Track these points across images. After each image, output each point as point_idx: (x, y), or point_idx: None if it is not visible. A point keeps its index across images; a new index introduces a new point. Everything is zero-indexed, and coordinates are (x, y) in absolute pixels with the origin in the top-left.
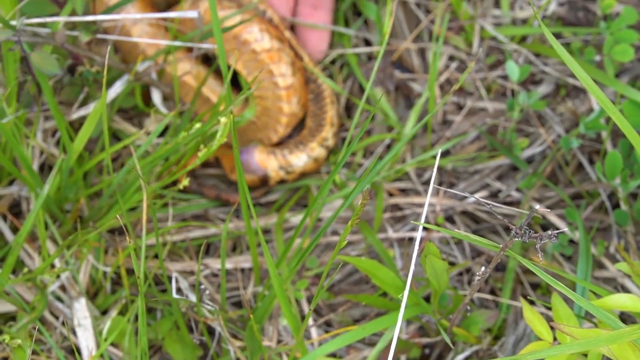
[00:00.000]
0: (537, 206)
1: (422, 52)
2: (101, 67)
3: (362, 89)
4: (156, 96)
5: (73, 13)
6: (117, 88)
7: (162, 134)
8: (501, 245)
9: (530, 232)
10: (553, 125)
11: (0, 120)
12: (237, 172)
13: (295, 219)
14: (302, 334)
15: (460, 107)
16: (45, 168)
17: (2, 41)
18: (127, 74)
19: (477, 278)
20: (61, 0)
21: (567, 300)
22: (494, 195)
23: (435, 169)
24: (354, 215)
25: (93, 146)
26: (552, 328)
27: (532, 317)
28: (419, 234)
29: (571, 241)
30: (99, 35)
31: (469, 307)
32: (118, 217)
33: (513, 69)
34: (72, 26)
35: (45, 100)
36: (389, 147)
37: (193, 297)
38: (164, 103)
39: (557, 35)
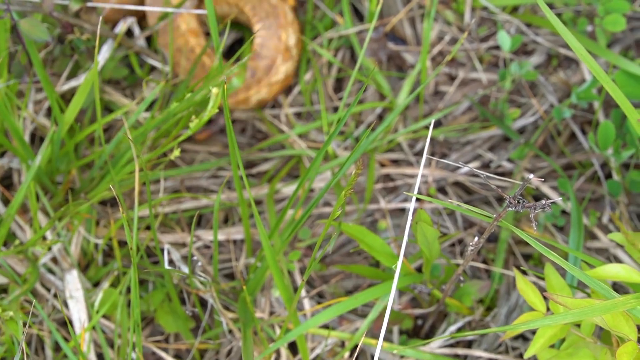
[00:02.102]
0: (531, 176)
1: (414, 24)
2: (91, 35)
3: (353, 60)
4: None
5: None
6: (104, 53)
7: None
8: (494, 215)
9: (524, 201)
10: (546, 94)
11: None
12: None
13: (287, 189)
14: (295, 305)
15: (452, 78)
16: (36, 140)
17: None
18: (112, 40)
19: (470, 248)
20: None
21: (559, 270)
22: (486, 166)
23: (428, 140)
24: (348, 184)
25: (83, 118)
26: (545, 298)
27: (525, 287)
28: (412, 205)
29: (563, 212)
30: (89, 4)
31: (461, 278)
32: (111, 187)
33: (505, 39)
34: None
35: (35, 71)
36: (380, 117)
37: (185, 269)
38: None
39: (549, 6)
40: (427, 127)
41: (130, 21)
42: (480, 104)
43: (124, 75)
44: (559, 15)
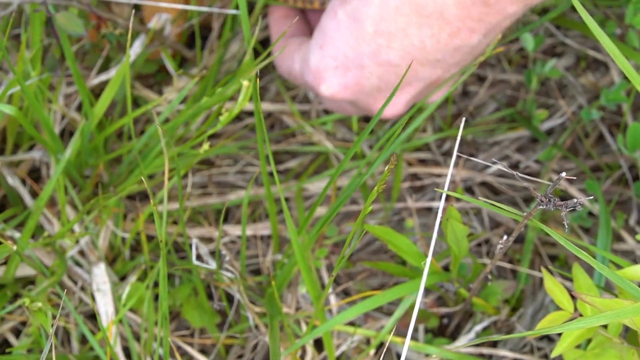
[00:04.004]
0: (563, 174)
1: None
2: (124, 29)
3: None
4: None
5: None
6: (136, 48)
7: (182, 101)
8: (524, 214)
9: (554, 200)
10: (575, 95)
11: (24, 82)
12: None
13: (313, 186)
14: (323, 302)
15: (480, 79)
16: (65, 134)
17: (29, 2)
18: (145, 35)
19: (499, 247)
20: None
21: (587, 271)
22: (513, 166)
23: (458, 139)
24: (381, 180)
25: (113, 112)
26: (572, 298)
27: (554, 287)
28: (441, 203)
29: (590, 213)
30: None
31: (489, 277)
32: (143, 179)
33: (528, 39)
34: None
35: (67, 64)
36: (410, 117)
37: (212, 264)
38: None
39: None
40: (455, 126)
41: (165, 18)
42: (508, 105)
43: (154, 70)
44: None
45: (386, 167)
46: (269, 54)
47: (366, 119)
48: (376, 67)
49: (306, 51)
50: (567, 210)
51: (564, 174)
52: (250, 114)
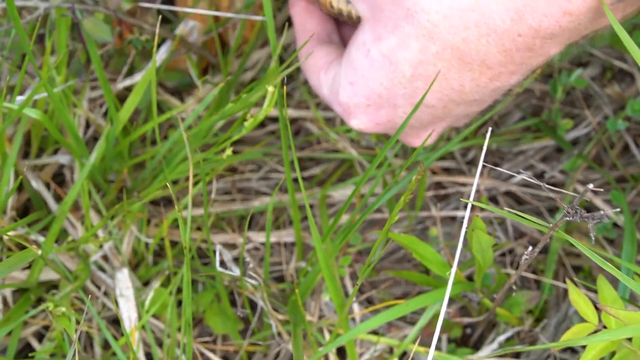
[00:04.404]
0: (590, 185)
1: None
2: (150, 36)
3: None
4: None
5: None
6: (162, 54)
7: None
8: (549, 225)
9: (581, 212)
10: (601, 105)
11: (51, 88)
12: None
13: (337, 193)
14: (347, 310)
15: None
16: (88, 138)
17: (56, 7)
18: (171, 40)
19: (524, 258)
20: None
21: (611, 282)
22: (538, 176)
23: (484, 149)
24: (408, 190)
25: (136, 117)
26: (597, 310)
27: (578, 299)
28: (467, 212)
29: (615, 225)
30: (142, 4)
31: (513, 287)
32: (167, 185)
33: None
34: None
35: (93, 69)
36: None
37: (235, 270)
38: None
39: None
40: (479, 135)
41: (192, 25)
42: (533, 114)
43: (178, 77)
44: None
45: (413, 178)
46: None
47: None
48: (410, 107)
49: (335, 82)
50: (595, 222)
51: (590, 186)
52: (274, 120)
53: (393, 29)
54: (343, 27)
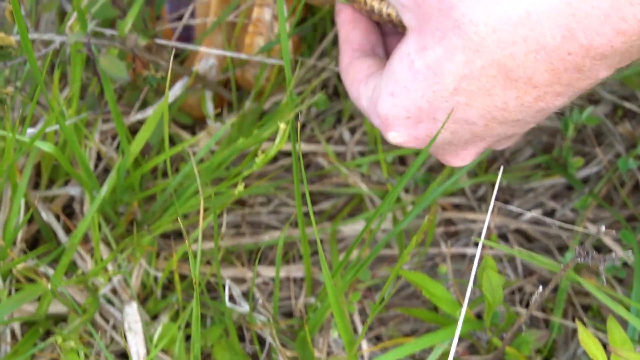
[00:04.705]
0: (602, 228)
1: None
2: (165, 73)
3: None
4: (209, 104)
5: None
6: (176, 90)
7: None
8: (560, 265)
9: (592, 253)
10: (613, 143)
11: (63, 121)
12: None
13: (347, 228)
14: (356, 348)
15: None
16: (99, 170)
17: (72, 43)
18: (187, 77)
19: (534, 298)
20: (122, 5)
21: (620, 322)
22: (548, 214)
23: (496, 188)
24: (420, 231)
25: (147, 150)
26: (606, 350)
27: (588, 339)
28: (478, 250)
29: (625, 264)
30: (158, 41)
31: (522, 326)
32: (178, 219)
33: None
34: (132, 30)
35: (107, 103)
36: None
37: (245, 306)
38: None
39: None
40: (491, 172)
41: (212, 63)
42: (544, 151)
43: (190, 121)
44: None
45: (425, 218)
46: (303, 101)
47: (402, 161)
48: (451, 123)
49: (375, 93)
50: (605, 263)
51: (602, 228)
52: (285, 154)
53: (440, 40)
54: (388, 38)
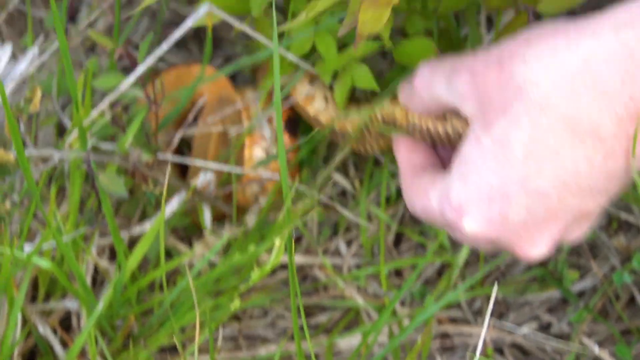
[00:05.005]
0: (597, 349)
1: None
2: (163, 187)
3: (413, 217)
4: (207, 215)
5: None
6: (173, 205)
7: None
8: None
9: None
10: (608, 256)
11: (60, 238)
12: None
13: (344, 342)
14: None
15: None
16: (96, 281)
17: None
18: (185, 191)
19: None
20: (122, 123)
21: None
22: (544, 327)
23: (491, 303)
24: (415, 350)
25: (145, 262)
26: None
27: None
28: None
29: None
30: (160, 156)
31: None
32: (174, 337)
33: None
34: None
35: (105, 218)
36: (439, 273)
37: None
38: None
39: None
40: (487, 284)
41: (210, 178)
42: (539, 263)
43: (187, 224)
44: None
45: (419, 339)
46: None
47: (397, 273)
48: (524, 196)
49: (445, 185)
50: None
51: (597, 350)
52: (283, 266)
53: (503, 112)
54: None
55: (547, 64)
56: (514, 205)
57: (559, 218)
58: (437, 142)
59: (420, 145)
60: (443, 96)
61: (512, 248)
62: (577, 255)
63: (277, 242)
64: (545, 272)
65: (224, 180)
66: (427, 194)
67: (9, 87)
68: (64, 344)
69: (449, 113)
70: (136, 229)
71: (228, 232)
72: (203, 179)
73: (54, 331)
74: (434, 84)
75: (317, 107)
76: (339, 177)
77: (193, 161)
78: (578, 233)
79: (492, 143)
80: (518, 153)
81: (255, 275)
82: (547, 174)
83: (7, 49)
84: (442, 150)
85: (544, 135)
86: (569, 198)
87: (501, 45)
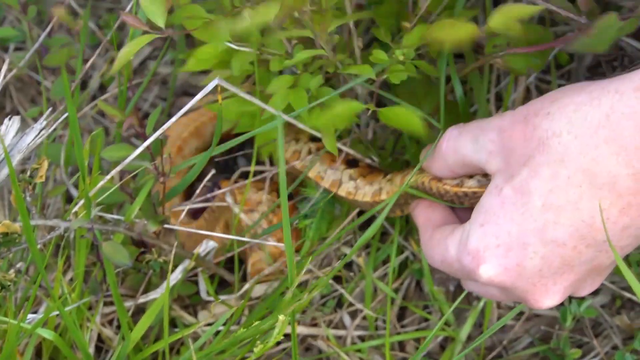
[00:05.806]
0: None
1: None
2: (167, 257)
3: (418, 288)
4: (202, 286)
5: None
6: (177, 274)
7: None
8: None
9: None
10: (610, 335)
11: (63, 309)
12: None
13: None
14: None
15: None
16: (101, 350)
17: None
18: (188, 260)
19: None
20: (129, 190)
21: None
22: None
23: None
24: None
25: (150, 334)
26: None
27: None
28: None
29: None
30: (167, 225)
31: None
32: None
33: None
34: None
35: (109, 288)
36: (442, 347)
37: None
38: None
39: None
40: None
41: (212, 246)
42: (542, 340)
43: (191, 293)
44: (626, 257)
45: None
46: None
47: (401, 346)
48: (541, 246)
49: (464, 233)
50: None
51: None
52: (286, 335)
53: (525, 162)
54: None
55: (569, 118)
56: (531, 254)
57: (574, 269)
58: (455, 203)
59: (438, 205)
60: (468, 155)
61: (525, 297)
62: (580, 332)
63: (281, 317)
64: (547, 349)
65: (227, 249)
66: (445, 243)
67: (16, 159)
68: None
69: (465, 177)
70: (141, 299)
71: (232, 304)
72: (205, 247)
73: None
74: (461, 143)
75: (347, 188)
76: (346, 250)
77: (197, 231)
78: (590, 288)
79: (512, 192)
80: (537, 202)
81: (259, 349)
82: (564, 225)
83: (15, 122)
84: (459, 211)
85: (564, 186)
86: (584, 250)
87: (528, 104)
